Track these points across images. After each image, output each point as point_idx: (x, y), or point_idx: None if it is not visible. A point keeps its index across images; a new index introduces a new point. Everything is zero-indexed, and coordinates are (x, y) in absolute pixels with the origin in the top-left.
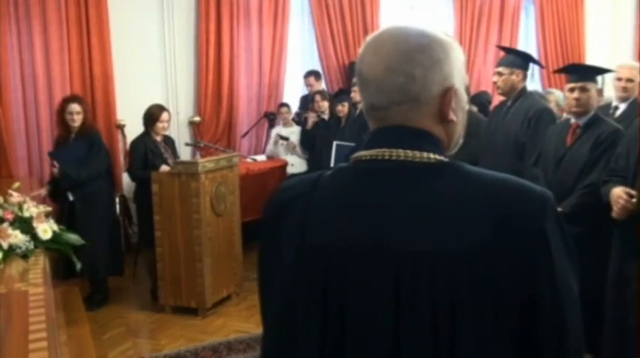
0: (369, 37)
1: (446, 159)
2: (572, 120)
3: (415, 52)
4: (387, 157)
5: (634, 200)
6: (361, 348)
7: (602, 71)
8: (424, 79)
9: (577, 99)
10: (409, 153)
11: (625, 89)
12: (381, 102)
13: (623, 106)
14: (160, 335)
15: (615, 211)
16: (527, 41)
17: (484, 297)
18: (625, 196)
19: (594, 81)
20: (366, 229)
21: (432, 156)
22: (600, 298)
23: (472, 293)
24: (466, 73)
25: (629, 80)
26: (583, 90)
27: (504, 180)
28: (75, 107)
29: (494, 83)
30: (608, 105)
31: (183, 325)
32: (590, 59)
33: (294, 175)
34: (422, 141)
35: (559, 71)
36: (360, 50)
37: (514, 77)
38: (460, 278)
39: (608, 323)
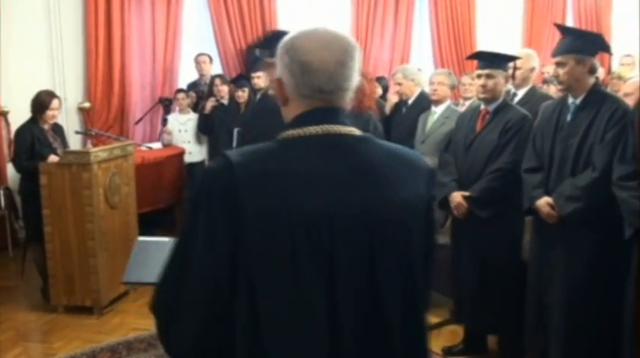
0: (306, 34)
1: (363, 133)
2: (482, 107)
3: (355, 53)
4: (338, 132)
5: (553, 211)
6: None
7: (508, 58)
8: (357, 73)
9: (483, 86)
10: (347, 128)
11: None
12: (329, 87)
13: (521, 93)
14: (52, 338)
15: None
16: (422, 29)
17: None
18: (547, 208)
19: (502, 68)
20: (344, 194)
21: (354, 129)
22: (513, 277)
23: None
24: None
25: (532, 69)
26: (489, 77)
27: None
28: None
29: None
30: (507, 92)
31: (77, 325)
32: (481, 47)
33: (192, 164)
34: (347, 119)
35: (469, 57)
36: (298, 43)
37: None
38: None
39: (528, 304)
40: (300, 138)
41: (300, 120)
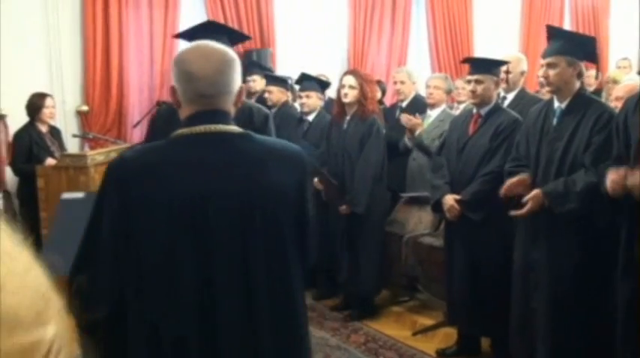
0: (190, 48)
1: (243, 130)
2: (474, 111)
3: (233, 62)
4: (219, 130)
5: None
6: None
7: (496, 63)
8: (235, 80)
9: (472, 91)
10: (228, 127)
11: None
12: (210, 92)
13: (510, 96)
14: None
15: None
16: (419, 33)
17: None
18: (518, 184)
19: (491, 73)
20: (219, 182)
21: (235, 128)
22: (505, 280)
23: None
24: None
25: (522, 73)
26: (477, 82)
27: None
28: None
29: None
30: (497, 96)
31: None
32: (478, 50)
33: None
34: (229, 118)
35: (463, 62)
36: (183, 56)
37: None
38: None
39: (514, 306)
40: (186, 136)
41: (188, 121)
